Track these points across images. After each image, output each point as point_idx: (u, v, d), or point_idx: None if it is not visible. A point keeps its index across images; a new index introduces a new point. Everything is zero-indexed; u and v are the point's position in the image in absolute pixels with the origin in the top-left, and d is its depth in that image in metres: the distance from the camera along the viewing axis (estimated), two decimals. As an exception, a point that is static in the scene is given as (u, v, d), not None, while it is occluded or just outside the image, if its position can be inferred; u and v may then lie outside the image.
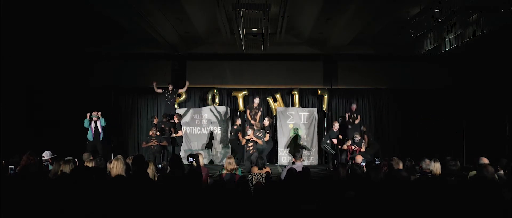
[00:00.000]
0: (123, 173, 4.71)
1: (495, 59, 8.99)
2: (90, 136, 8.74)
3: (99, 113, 8.86)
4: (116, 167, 4.76)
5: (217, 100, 10.56)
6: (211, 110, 10.32)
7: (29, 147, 5.75)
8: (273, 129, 10.02)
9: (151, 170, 4.89)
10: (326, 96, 10.63)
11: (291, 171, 4.84)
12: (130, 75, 10.73)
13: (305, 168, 5.93)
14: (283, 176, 5.71)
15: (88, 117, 8.75)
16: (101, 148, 8.67)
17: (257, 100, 9.70)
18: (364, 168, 5.35)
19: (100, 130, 8.77)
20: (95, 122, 8.79)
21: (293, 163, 6.60)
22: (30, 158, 4.90)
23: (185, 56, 10.94)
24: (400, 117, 10.83)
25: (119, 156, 5.09)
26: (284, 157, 9.91)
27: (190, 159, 5.78)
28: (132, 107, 10.71)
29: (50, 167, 5.62)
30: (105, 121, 8.86)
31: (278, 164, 9.74)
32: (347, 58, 10.82)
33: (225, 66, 10.95)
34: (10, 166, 4.91)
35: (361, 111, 10.80)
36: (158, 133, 8.76)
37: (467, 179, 4.72)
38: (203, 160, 6.66)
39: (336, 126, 9.07)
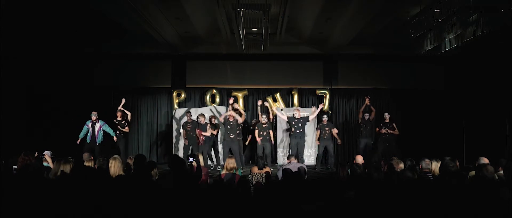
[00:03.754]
0: (121, 172, 4.72)
1: (495, 59, 8.99)
2: (88, 138, 8.67)
3: (95, 114, 8.76)
4: (114, 166, 4.78)
5: (217, 100, 10.57)
6: (211, 110, 10.31)
7: (29, 147, 5.74)
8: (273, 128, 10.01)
9: (154, 170, 4.90)
10: (327, 96, 10.63)
11: (287, 171, 4.85)
12: (130, 75, 10.75)
13: (301, 168, 5.94)
14: (279, 176, 5.71)
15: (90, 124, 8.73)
16: (98, 151, 8.46)
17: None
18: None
19: (96, 133, 8.69)
20: (94, 123, 8.71)
21: (289, 162, 6.61)
22: (25, 158, 4.88)
23: (185, 56, 10.94)
24: (400, 117, 10.81)
25: (116, 156, 5.10)
26: (284, 157, 9.90)
27: (190, 159, 5.78)
28: (132, 108, 10.68)
29: (45, 164, 5.62)
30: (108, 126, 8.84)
31: (278, 163, 9.75)
32: (347, 58, 10.83)
33: (225, 66, 10.95)
34: (14, 166, 4.90)
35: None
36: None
37: (467, 179, 4.73)
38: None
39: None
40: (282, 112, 9.50)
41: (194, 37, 10.09)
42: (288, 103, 10.77)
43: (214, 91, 10.61)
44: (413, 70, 10.73)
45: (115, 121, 8.96)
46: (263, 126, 8.85)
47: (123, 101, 9.23)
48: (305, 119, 8.90)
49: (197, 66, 11.02)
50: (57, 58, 10.04)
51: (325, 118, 9.19)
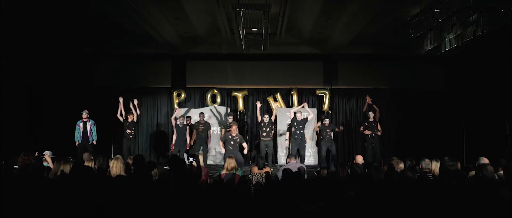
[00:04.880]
0: (123, 173, 4.72)
1: (495, 60, 9.00)
2: (78, 137, 8.73)
3: (87, 112, 8.81)
4: (115, 166, 4.77)
5: (218, 100, 10.57)
6: (211, 110, 10.33)
7: (29, 147, 5.75)
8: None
9: (154, 170, 4.90)
10: (327, 96, 10.63)
11: (287, 171, 4.84)
12: (130, 75, 10.75)
13: (301, 168, 5.94)
14: (279, 176, 5.71)
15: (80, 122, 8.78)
16: (91, 150, 8.43)
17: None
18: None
19: (88, 132, 8.72)
20: (85, 123, 8.75)
21: (287, 162, 6.60)
22: (25, 158, 4.89)
23: (185, 56, 10.94)
24: (400, 117, 10.83)
25: (118, 156, 5.11)
26: (283, 157, 9.90)
27: (190, 159, 5.78)
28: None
29: (45, 164, 5.62)
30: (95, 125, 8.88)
31: (278, 164, 9.74)
32: (347, 58, 10.83)
33: (225, 66, 10.96)
34: (14, 166, 4.90)
35: (361, 111, 10.83)
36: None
37: (467, 179, 4.73)
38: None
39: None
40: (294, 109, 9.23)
41: (194, 37, 10.09)
42: (288, 104, 10.77)
43: (215, 91, 10.62)
44: (413, 70, 10.74)
45: (127, 123, 8.77)
46: (266, 123, 8.84)
47: (121, 100, 8.95)
48: (305, 120, 8.87)
49: (197, 66, 11.02)
50: (57, 58, 10.05)
51: (326, 121, 9.10)
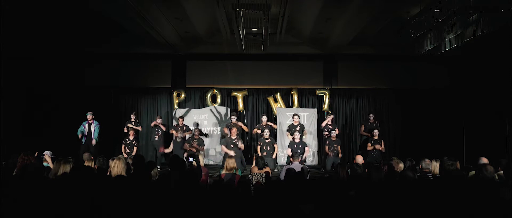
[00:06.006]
0: (123, 173, 4.72)
1: (495, 59, 9.00)
2: (81, 132, 8.85)
3: (91, 113, 8.95)
4: (117, 166, 4.76)
5: (218, 100, 10.57)
6: (211, 110, 10.33)
7: (28, 147, 5.74)
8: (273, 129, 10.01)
9: (154, 170, 4.89)
10: (327, 96, 10.64)
11: (290, 171, 4.84)
12: (130, 75, 10.77)
13: (304, 168, 5.94)
14: (282, 176, 5.71)
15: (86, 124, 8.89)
16: (94, 151, 8.47)
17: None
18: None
19: (92, 134, 8.81)
20: (90, 124, 8.82)
21: (291, 162, 6.59)
22: (25, 158, 4.89)
23: (185, 56, 10.95)
24: (400, 117, 10.83)
25: (120, 156, 5.10)
26: (284, 157, 9.90)
27: (190, 159, 5.80)
28: (131, 108, 10.70)
29: (45, 164, 5.63)
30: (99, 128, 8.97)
31: (278, 164, 9.73)
32: (347, 58, 10.83)
33: (225, 66, 10.96)
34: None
35: (361, 111, 10.84)
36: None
37: (467, 179, 4.73)
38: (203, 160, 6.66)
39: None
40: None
41: (194, 37, 10.10)
42: (288, 104, 10.78)
43: (215, 91, 10.62)
44: (413, 70, 10.75)
45: (127, 140, 8.82)
46: (266, 140, 8.63)
47: (133, 117, 9.42)
48: (304, 145, 8.62)
49: (197, 66, 11.03)
50: (56, 58, 10.06)
51: (333, 133, 8.96)
